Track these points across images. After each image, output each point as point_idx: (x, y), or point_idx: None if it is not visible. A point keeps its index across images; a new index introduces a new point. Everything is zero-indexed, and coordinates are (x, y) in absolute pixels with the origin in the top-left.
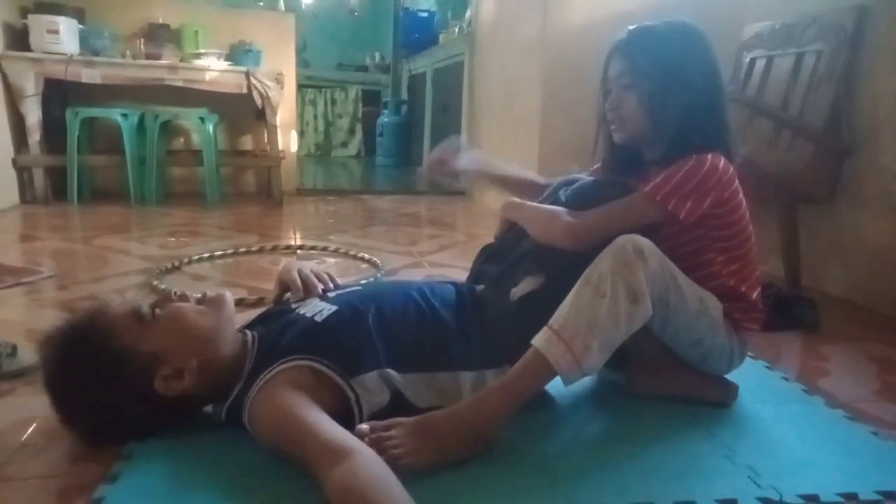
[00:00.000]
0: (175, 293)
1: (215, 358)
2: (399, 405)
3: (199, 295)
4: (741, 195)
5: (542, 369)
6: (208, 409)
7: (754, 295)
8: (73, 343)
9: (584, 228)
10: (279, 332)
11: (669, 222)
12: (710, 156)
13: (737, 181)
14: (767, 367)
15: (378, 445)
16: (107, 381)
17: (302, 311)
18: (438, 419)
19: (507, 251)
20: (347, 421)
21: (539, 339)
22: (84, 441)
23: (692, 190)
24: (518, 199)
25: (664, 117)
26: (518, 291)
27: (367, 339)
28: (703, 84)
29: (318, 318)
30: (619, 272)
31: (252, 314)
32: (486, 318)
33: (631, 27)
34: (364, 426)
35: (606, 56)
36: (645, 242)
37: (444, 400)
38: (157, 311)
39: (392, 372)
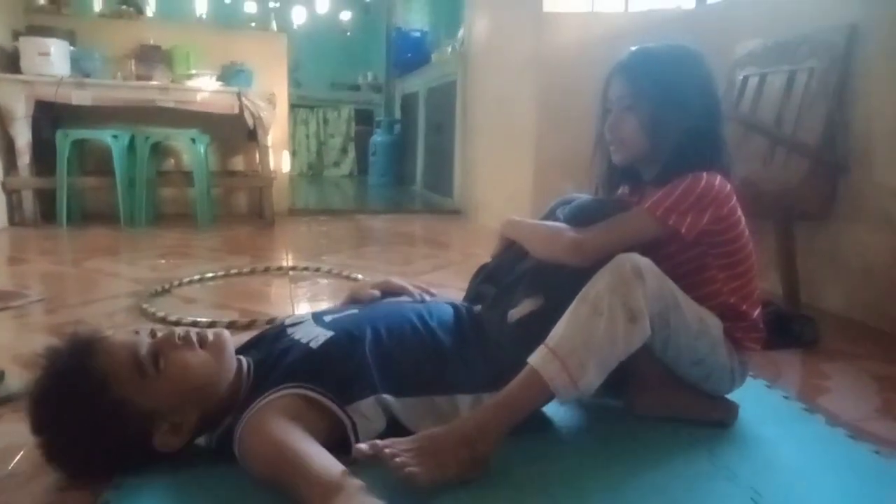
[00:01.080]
0: (178, 336)
1: (214, 400)
2: (395, 431)
3: (198, 331)
4: (740, 213)
5: (537, 387)
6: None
7: (755, 314)
8: (68, 387)
9: (588, 244)
10: (275, 359)
11: (671, 238)
12: (705, 174)
13: (734, 199)
14: (767, 385)
15: (382, 454)
16: (101, 430)
17: (297, 337)
18: (436, 435)
19: (506, 271)
20: (343, 448)
21: (535, 357)
22: (68, 477)
23: (691, 206)
24: (517, 217)
25: (663, 140)
26: (516, 313)
27: (363, 366)
28: (702, 107)
29: (313, 345)
30: (617, 291)
31: (243, 337)
32: (484, 340)
33: (633, 48)
34: (362, 445)
35: (607, 76)
36: (643, 261)
37: (441, 424)
38: (161, 362)
39: (388, 397)
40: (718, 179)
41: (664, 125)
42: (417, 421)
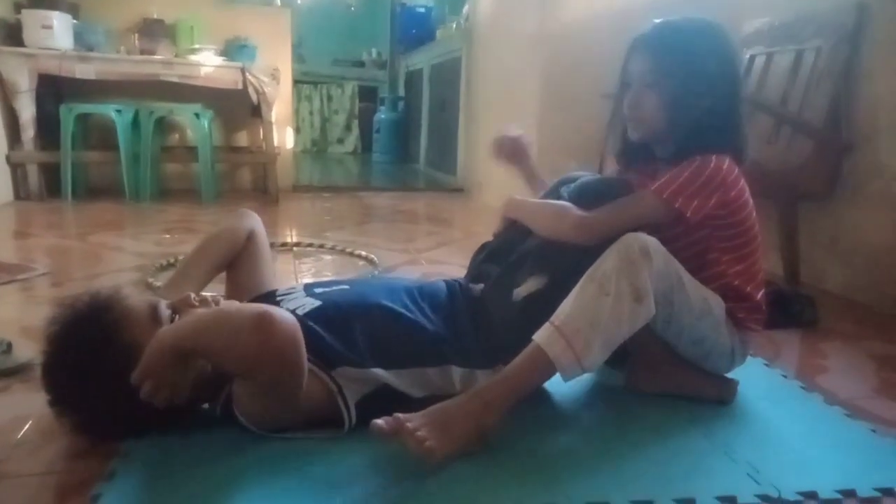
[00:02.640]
0: (195, 297)
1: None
2: (391, 394)
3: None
4: (747, 196)
5: (542, 365)
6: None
7: (758, 295)
8: (83, 327)
9: (594, 223)
10: None
11: (676, 221)
12: (714, 157)
13: (742, 182)
14: (766, 364)
15: (403, 429)
16: (107, 372)
17: (285, 306)
18: (444, 410)
19: (509, 249)
20: (334, 415)
21: (540, 335)
22: (73, 431)
23: (698, 189)
24: (519, 197)
25: (683, 119)
26: (521, 292)
27: (350, 339)
28: (723, 87)
29: (299, 312)
30: (624, 271)
31: None
32: (483, 318)
33: (656, 21)
34: (378, 420)
35: (628, 49)
36: (651, 241)
37: (436, 391)
38: (177, 317)
39: (378, 370)
40: (727, 163)
41: (685, 104)
42: (410, 388)
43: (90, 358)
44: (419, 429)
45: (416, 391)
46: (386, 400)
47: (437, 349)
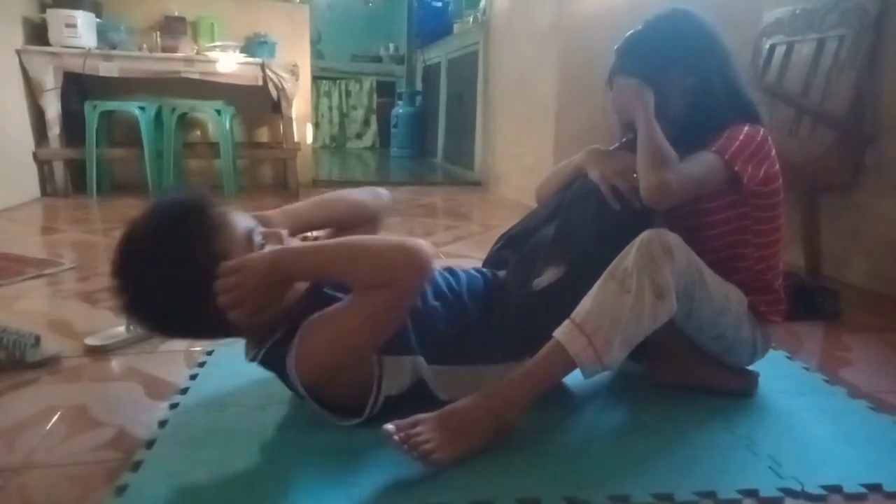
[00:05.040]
0: (286, 235)
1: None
2: (417, 393)
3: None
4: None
5: (562, 362)
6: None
7: (777, 284)
8: (187, 215)
9: (683, 182)
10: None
11: (727, 186)
12: (760, 128)
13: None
14: (788, 357)
15: (408, 442)
16: (192, 267)
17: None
18: (461, 410)
19: (526, 237)
20: (361, 400)
21: (561, 332)
22: (121, 313)
23: (752, 154)
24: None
25: (676, 103)
26: (542, 282)
27: (403, 326)
28: (704, 62)
29: None
30: (646, 268)
31: None
32: (510, 307)
33: (616, 47)
34: (389, 426)
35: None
36: (672, 237)
37: (464, 393)
38: (266, 245)
39: (423, 361)
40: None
41: (670, 86)
42: (443, 388)
43: (183, 247)
44: (430, 438)
45: (445, 392)
46: (411, 402)
47: (473, 344)
